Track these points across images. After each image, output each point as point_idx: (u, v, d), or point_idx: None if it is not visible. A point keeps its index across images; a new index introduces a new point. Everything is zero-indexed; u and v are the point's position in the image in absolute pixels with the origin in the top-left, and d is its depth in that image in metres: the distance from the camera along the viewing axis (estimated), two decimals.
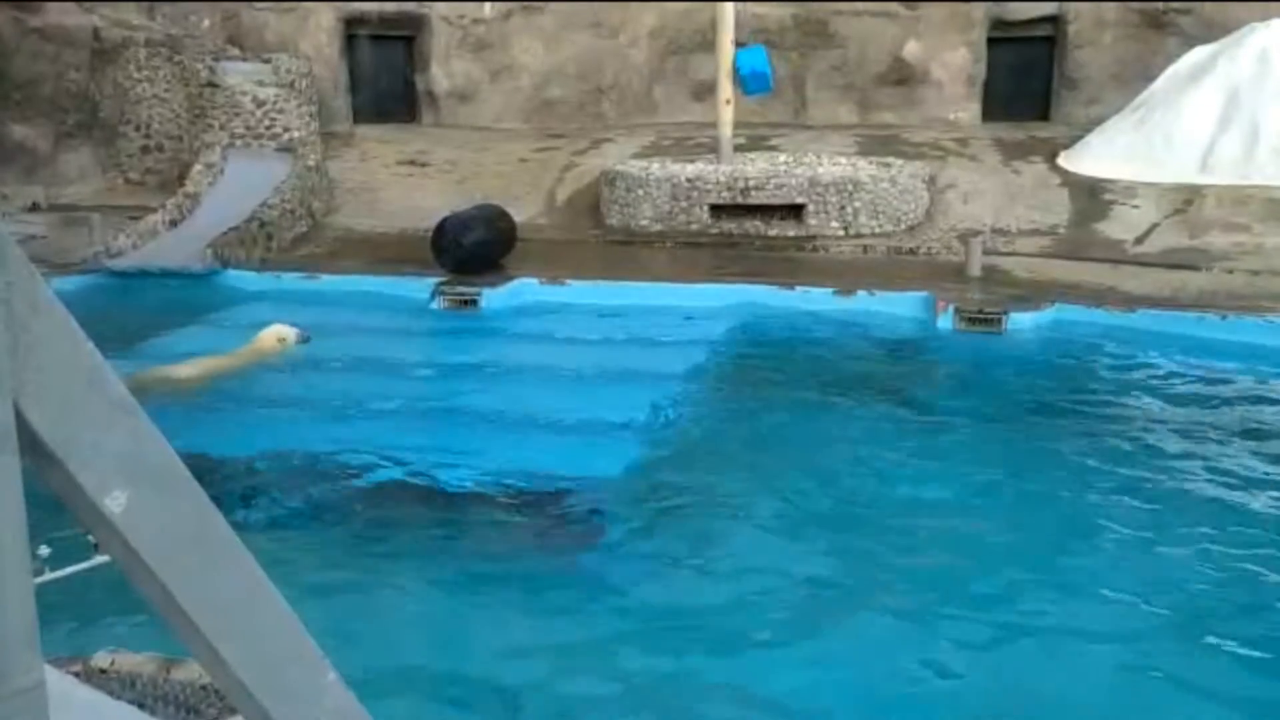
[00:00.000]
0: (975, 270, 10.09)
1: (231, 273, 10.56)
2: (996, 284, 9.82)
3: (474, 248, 10.36)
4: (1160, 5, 15.27)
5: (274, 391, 7.51)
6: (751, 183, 11.56)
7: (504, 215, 11.20)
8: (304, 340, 8.17)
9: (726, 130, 12.29)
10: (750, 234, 11.62)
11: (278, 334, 8.12)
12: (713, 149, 12.66)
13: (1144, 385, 7.55)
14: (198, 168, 12.44)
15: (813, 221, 11.48)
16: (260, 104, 13.01)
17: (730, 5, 12.14)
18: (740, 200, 11.59)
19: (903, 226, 11.61)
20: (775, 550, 5.11)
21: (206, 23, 15.08)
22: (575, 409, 7.05)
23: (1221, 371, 7.83)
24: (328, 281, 10.31)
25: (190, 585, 1.10)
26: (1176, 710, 3.98)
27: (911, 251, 11.12)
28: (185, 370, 7.63)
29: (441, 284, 9.90)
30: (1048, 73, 16.12)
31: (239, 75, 13.31)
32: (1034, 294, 9.35)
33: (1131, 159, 12.28)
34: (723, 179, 11.66)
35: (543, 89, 16.72)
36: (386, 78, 16.54)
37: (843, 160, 12.62)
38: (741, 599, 4.64)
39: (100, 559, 2.14)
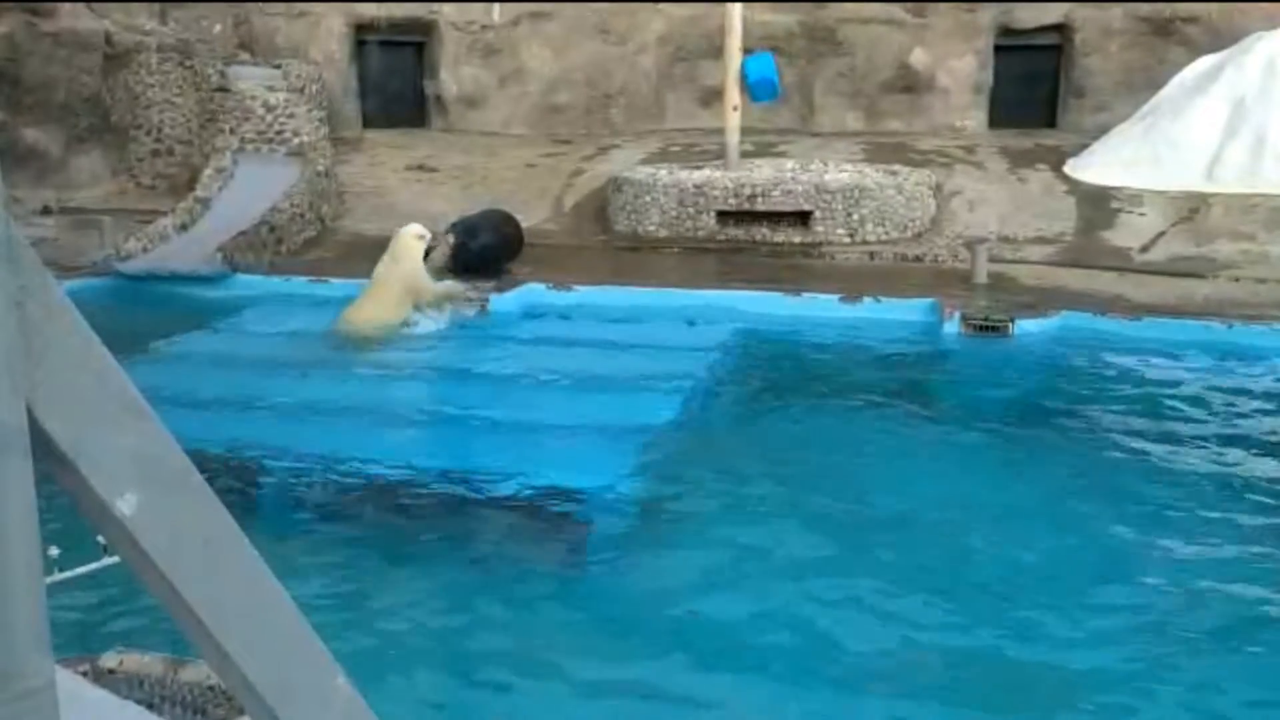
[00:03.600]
0: (981, 277, 10.09)
1: (241, 276, 10.59)
2: (1003, 291, 9.82)
3: (481, 252, 10.39)
4: (1167, 13, 15.27)
5: (280, 392, 7.54)
6: (758, 189, 11.57)
7: (511, 220, 11.22)
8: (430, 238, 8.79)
9: (734, 137, 12.30)
10: (757, 240, 11.63)
11: (415, 232, 8.72)
12: (720, 155, 12.68)
13: (1150, 393, 7.54)
14: (208, 172, 12.49)
15: (819, 228, 11.49)
16: (270, 109, 13.07)
17: (739, 11, 12.16)
18: (747, 207, 11.60)
19: (909, 234, 11.61)
20: (781, 554, 5.11)
21: (218, 28, 15.16)
22: (582, 414, 7.06)
23: (1227, 379, 7.82)
24: (337, 285, 10.33)
25: (200, 587, 1.11)
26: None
27: (918, 259, 11.12)
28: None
29: None
30: (1054, 81, 16.12)
31: (250, 80, 13.39)
32: (1040, 301, 9.34)
33: (1138, 167, 12.27)
34: (730, 185, 11.67)
35: (551, 95, 16.75)
36: (396, 83, 16.58)
37: (849, 167, 12.62)
38: (745, 604, 4.64)
39: (110, 560, 2.16)
